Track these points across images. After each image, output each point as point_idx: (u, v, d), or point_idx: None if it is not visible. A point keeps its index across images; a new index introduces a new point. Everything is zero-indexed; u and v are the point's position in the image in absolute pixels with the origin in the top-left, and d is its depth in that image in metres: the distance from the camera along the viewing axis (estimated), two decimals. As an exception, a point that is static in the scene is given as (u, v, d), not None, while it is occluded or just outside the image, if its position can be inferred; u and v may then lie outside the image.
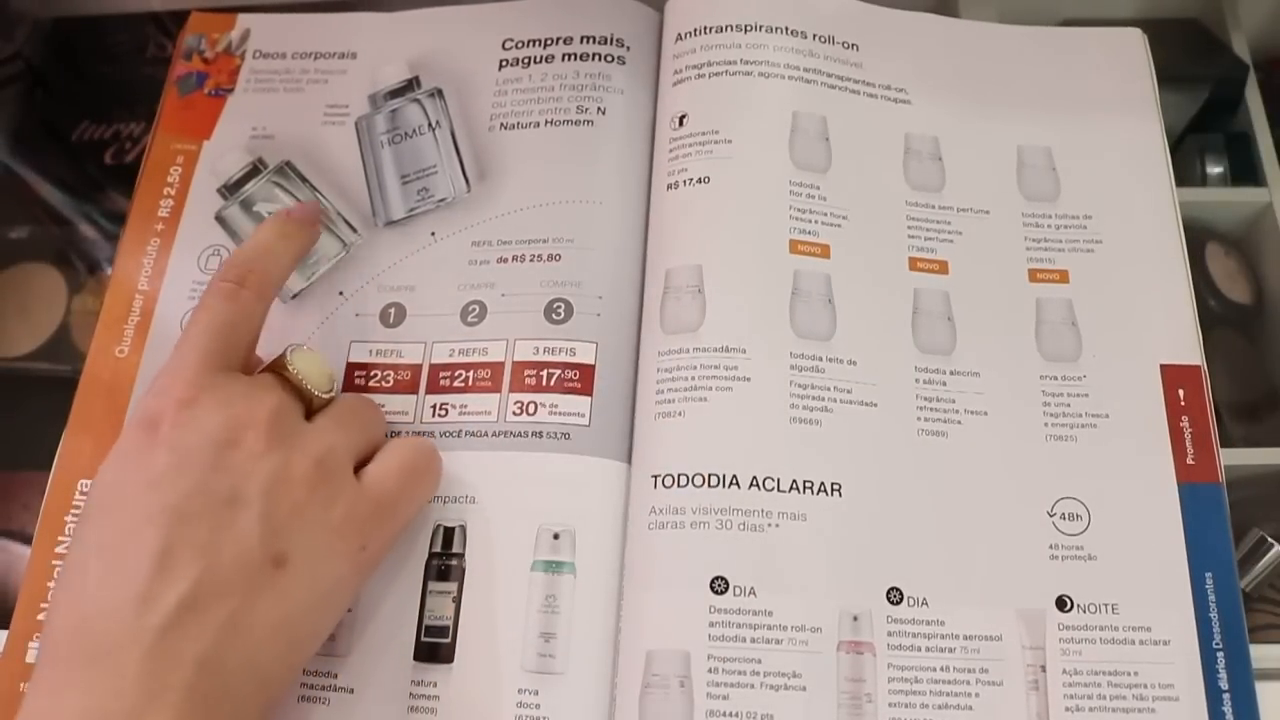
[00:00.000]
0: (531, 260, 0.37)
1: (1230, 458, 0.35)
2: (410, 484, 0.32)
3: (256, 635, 0.27)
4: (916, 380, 0.35)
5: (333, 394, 0.32)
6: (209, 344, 0.30)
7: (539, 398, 0.35)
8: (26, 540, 0.38)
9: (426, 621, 0.33)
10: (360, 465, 0.31)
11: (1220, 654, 0.32)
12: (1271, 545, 0.38)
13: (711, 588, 0.32)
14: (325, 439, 0.30)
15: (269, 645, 0.27)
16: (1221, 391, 0.39)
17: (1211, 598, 0.33)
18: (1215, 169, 0.45)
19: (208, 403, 0.29)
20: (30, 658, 0.33)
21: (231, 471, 0.28)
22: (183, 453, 0.28)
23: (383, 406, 0.36)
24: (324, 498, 0.29)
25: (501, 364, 0.36)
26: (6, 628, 0.34)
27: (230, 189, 0.40)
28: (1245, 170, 0.44)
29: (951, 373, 0.36)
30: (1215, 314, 0.43)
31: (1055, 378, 0.36)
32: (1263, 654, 0.32)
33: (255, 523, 0.27)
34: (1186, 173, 0.45)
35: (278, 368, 0.31)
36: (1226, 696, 0.32)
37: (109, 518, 0.28)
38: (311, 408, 0.31)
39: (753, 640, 0.31)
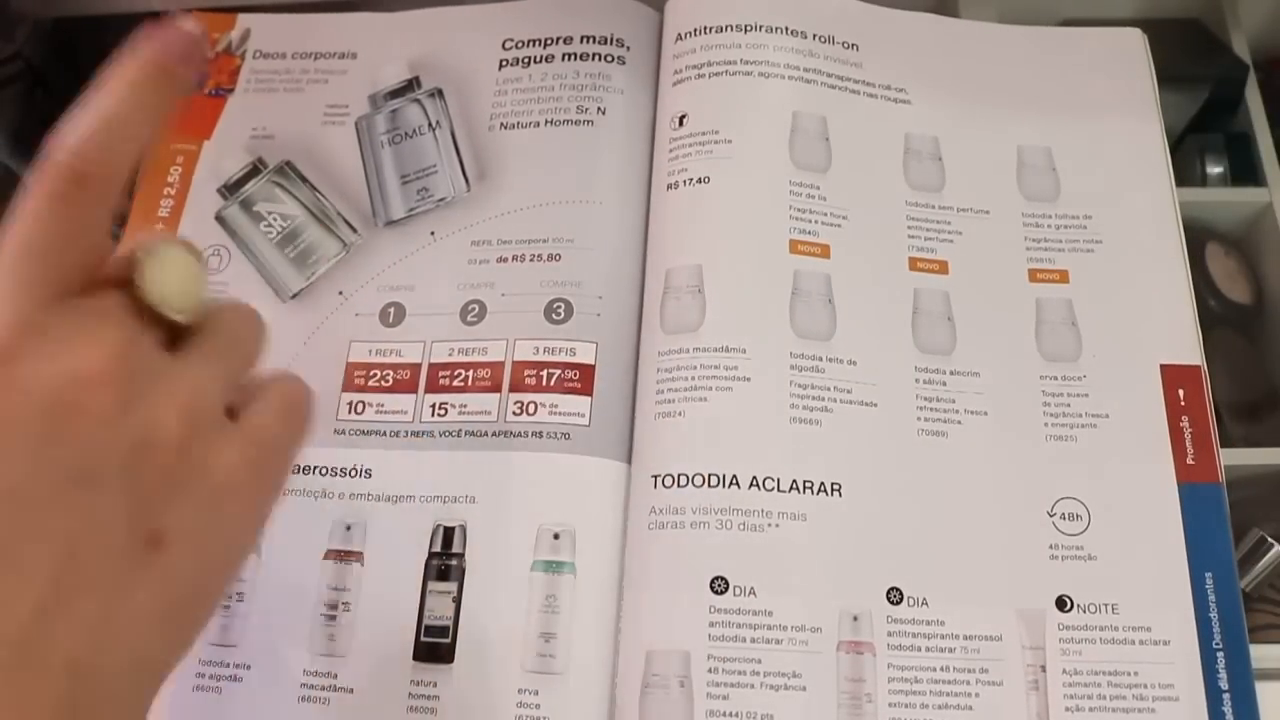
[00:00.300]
0: (531, 260, 0.37)
1: (1230, 458, 0.35)
2: (295, 424, 0.27)
3: (138, 628, 0.22)
4: (916, 380, 0.35)
5: (199, 314, 0.25)
6: (30, 270, 0.23)
7: (539, 397, 0.35)
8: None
9: (426, 621, 0.33)
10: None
11: (1220, 654, 0.32)
12: (1271, 545, 0.37)
13: (711, 588, 0.32)
14: (194, 382, 0.24)
15: (154, 636, 0.23)
16: (1221, 391, 0.39)
17: (1211, 598, 0.33)
18: (1215, 169, 0.44)
19: (31, 353, 0.22)
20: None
21: (76, 443, 0.22)
22: (4, 423, 0.22)
23: (381, 406, 0.36)
24: (200, 457, 0.23)
25: (501, 364, 0.36)
26: None
27: (230, 189, 0.40)
28: (1245, 170, 0.44)
29: (951, 373, 0.36)
30: (1215, 314, 0.43)
31: (1055, 378, 0.36)
32: (1263, 654, 0.32)
33: (118, 501, 0.22)
34: (1186, 173, 0.45)
35: (126, 283, 0.24)
36: (1226, 696, 0.32)
37: None
38: (175, 331, 0.24)
39: (753, 640, 0.31)
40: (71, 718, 0.21)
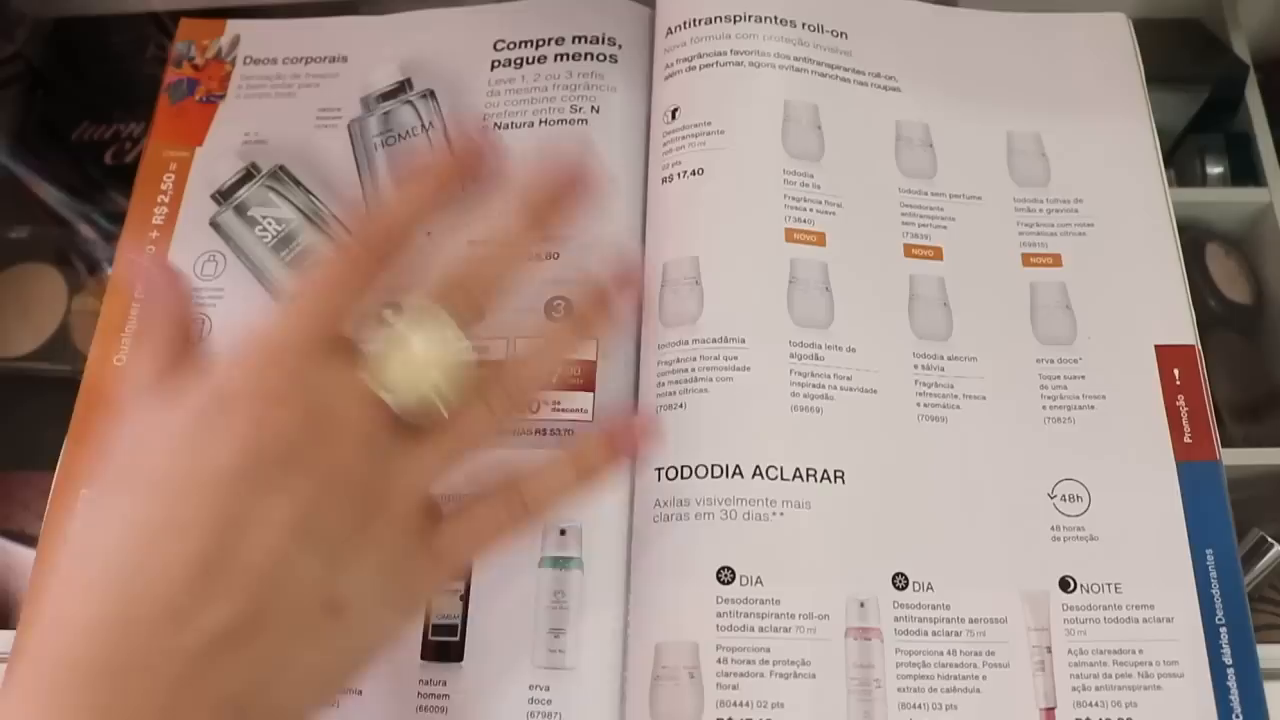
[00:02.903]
0: (530, 259, 0.37)
1: (1230, 458, 0.35)
2: (483, 552, 0.28)
3: (289, 681, 0.23)
4: (915, 366, 0.36)
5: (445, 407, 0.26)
6: (321, 303, 0.25)
7: (541, 395, 0.35)
8: (25, 540, 0.38)
9: (434, 620, 0.33)
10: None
11: (1223, 629, 0.33)
12: (1271, 545, 0.38)
13: (718, 578, 0.32)
14: (421, 472, 0.25)
15: (298, 693, 0.24)
16: (1221, 391, 0.39)
17: (1213, 574, 0.33)
18: (1215, 169, 0.45)
19: (299, 389, 0.23)
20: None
21: (304, 495, 0.23)
22: (252, 446, 0.23)
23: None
24: (401, 548, 0.25)
25: (501, 362, 0.36)
26: (3, 628, 0.34)
27: (224, 195, 0.39)
28: (1245, 170, 0.44)
29: (949, 358, 0.36)
30: (1215, 314, 0.43)
31: (1051, 361, 0.36)
32: (1263, 654, 0.33)
33: (318, 561, 0.23)
34: (1186, 173, 0.46)
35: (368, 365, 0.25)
36: (1230, 671, 0.32)
37: (142, 495, 0.23)
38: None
39: (760, 629, 0.31)
40: None
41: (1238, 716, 0.32)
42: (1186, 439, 0.35)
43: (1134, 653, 0.32)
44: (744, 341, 0.35)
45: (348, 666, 0.25)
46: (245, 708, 0.22)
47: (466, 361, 0.26)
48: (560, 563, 0.33)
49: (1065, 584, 0.33)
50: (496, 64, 0.41)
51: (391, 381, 0.24)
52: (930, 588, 0.33)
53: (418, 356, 0.25)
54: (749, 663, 0.31)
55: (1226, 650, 0.32)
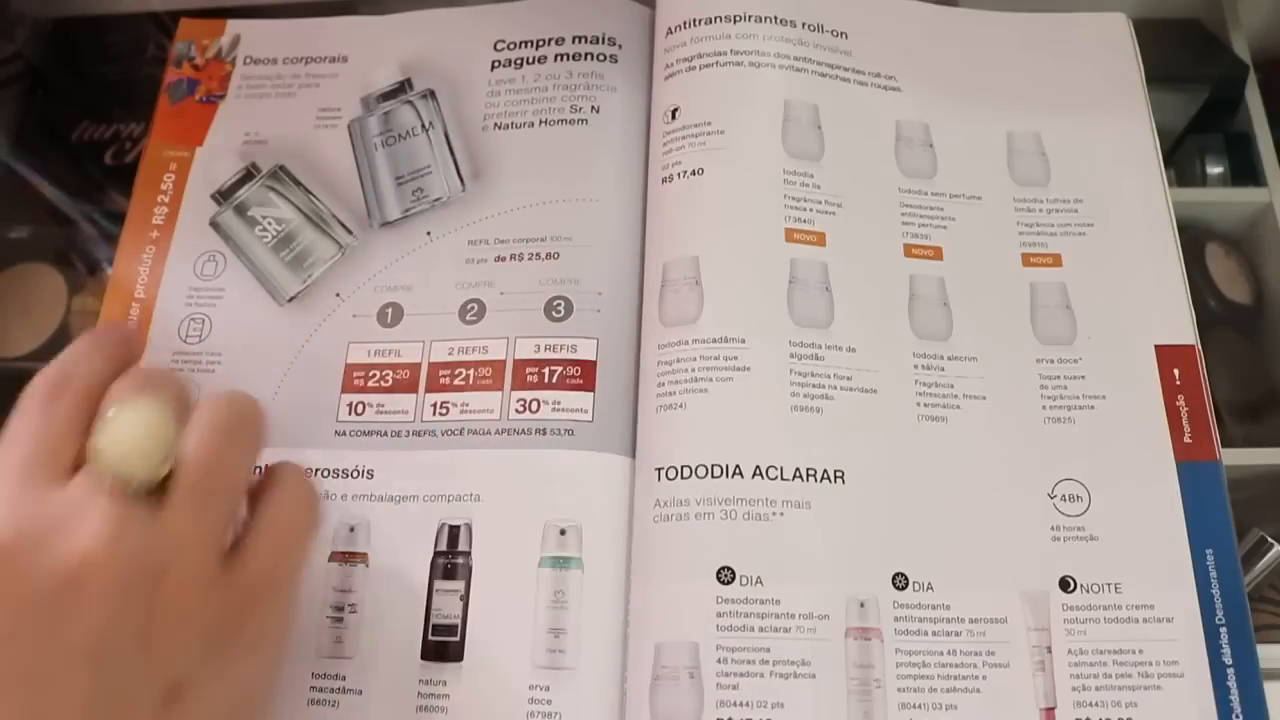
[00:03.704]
0: (530, 259, 0.37)
1: (1230, 458, 0.35)
2: (292, 552, 0.28)
3: None
4: (915, 366, 0.36)
5: (169, 463, 0.25)
6: (27, 451, 0.24)
7: (541, 395, 0.35)
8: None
9: (434, 620, 0.33)
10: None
11: (1223, 629, 0.33)
12: (1271, 545, 0.38)
13: (718, 578, 0.32)
14: (186, 538, 0.24)
15: None
16: (1221, 391, 0.39)
17: (1213, 574, 0.33)
18: (1215, 169, 0.45)
19: (30, 539, 0.23)
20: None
21: (86, 619, 0.23)
22: (16, 609, 0.22)
23: (381, 407, 0.36)
24: (203, 612, 0.24)
25: (503, 362, 0.36)
26: None
27: (224, 194, 0.40)
28: (1245, 170, 0.44)
29: (949, 358, 0.36)
30: (1215, 314, 0.43)
31: (1051, 361, 0.36)
32: (1263, 654, 0.33)
33: (135, 668, 0.23)
34: (1186, 173, 0.46)
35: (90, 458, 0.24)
36: (1231, 671, 0.32)
37: None
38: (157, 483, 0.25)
39: (760, 629, 0.31)
40: None
41: (1238, 716, 0.32)
42: (1186, 439, 0.35)
43: (1134, 653, 0.32)
44: (744, 341, 0.35)
45: None
46: None
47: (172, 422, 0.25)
48: (560, 563, 0.33)
49: (1065, 584, 0.33)
50: (497, 64, 0.42)
51: (117, 458, 0.24)
52: (930, 588, 0.33)
53: (132, 429, 0.25)
54: (749, 663, 0.31)
55: (1226, 650, 0.32)
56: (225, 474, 0.26)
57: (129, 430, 0.24)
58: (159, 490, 0.25)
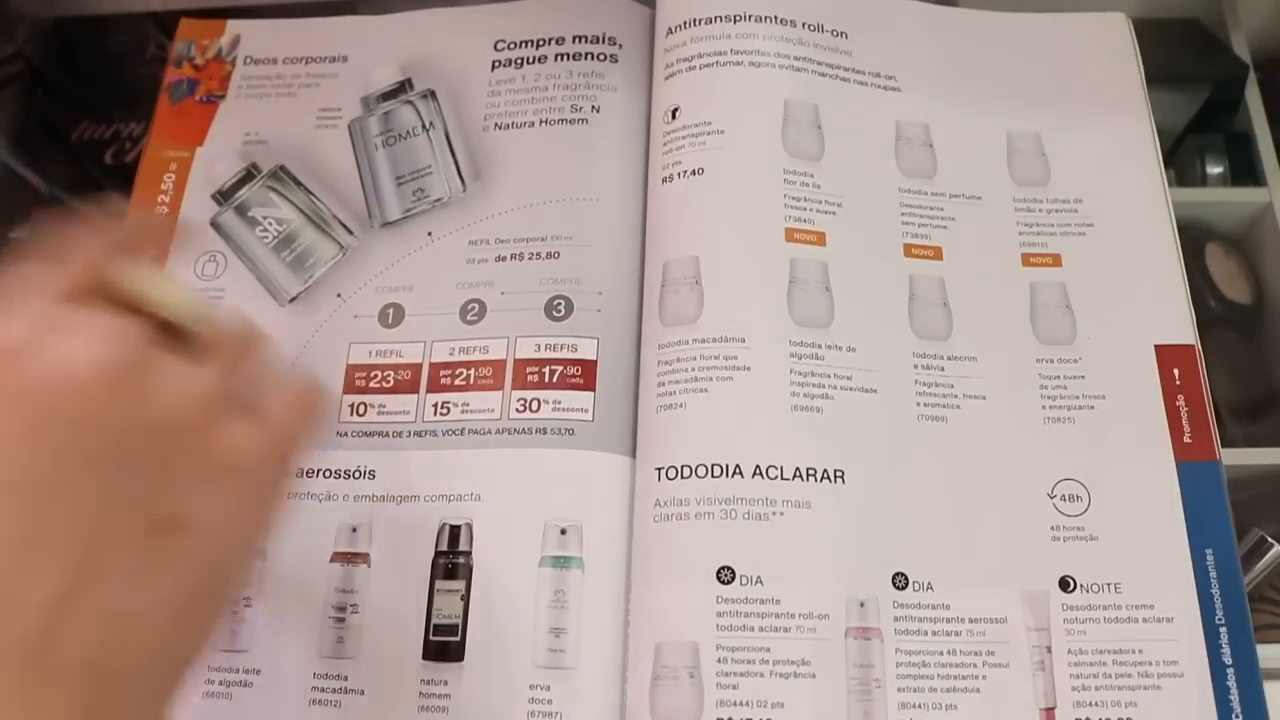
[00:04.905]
0: (530, 258, 0.37)
1: (1230, 458, 0.35)
2: (305, 415, 0.27)
3: (158, 619, 0.22)
4: (915, 366, 0.36)
5: (202, 323, 0.25)
6: (40, 278, 0.24)
7: (542, 394, 0.35)
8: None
9: (435, 620, 0.33)
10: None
11: (1223, 629, 0.33)
12: (1271, 545, 0.38)
13: (718, 578, 0.32)
14: (207, 375, 0.24)
15: (174, 626, 0.22)
16: (1221, 391, 0.39)
17: (1213, 574, 0.33)
18: (1215, 169, 0.45)
19: (38, 341, 0.22)
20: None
21: (85, 423, 0.22)
22: (23, 409, 0.21)
23: (383, 407, 0.36)
24: (216, 442, 0.24)
25: (503, 361, 0.36)
26: None
27: (224, 195, 0.40)
28: (1245, 170, 0.44)
29: (949, 358, 0.36)
30: (1215, 314, 0.43)
31: (1051, 361, 0.36)
32: (1263, 654, 0.33)
33: (134, 484, 0.22)
34: (1186, 173, 0.46)
35: (123, 296, 0.24)
36: (1230, 671, 0.32)
37: None
38: (181, 341, 0.25)
39: (761, 629, 0.32)
40: None
41: (1237, 716, 0.32)
42: (1186, 439, 0.35)
43: (1134, 652, 0.32)
44: (744, 341, 0.35)
45: (209, 584, 0.23)
46: (114, 664, 0.21)
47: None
48: (560, 562, 0.33)
49: (1065, 584, 0.33)
50: (497, 64, 0.42)
51: (158, 294, 0.24)
52: (930, 588, 0.33)
53: (170, 281, 0.25)
54: (749, 662, 0.31)
55: (1226, 650, 0.32)
56: (247, 346, 0.26)
57: (169, 283, 0.25)
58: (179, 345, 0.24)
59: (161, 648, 0.22)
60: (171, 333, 0.24)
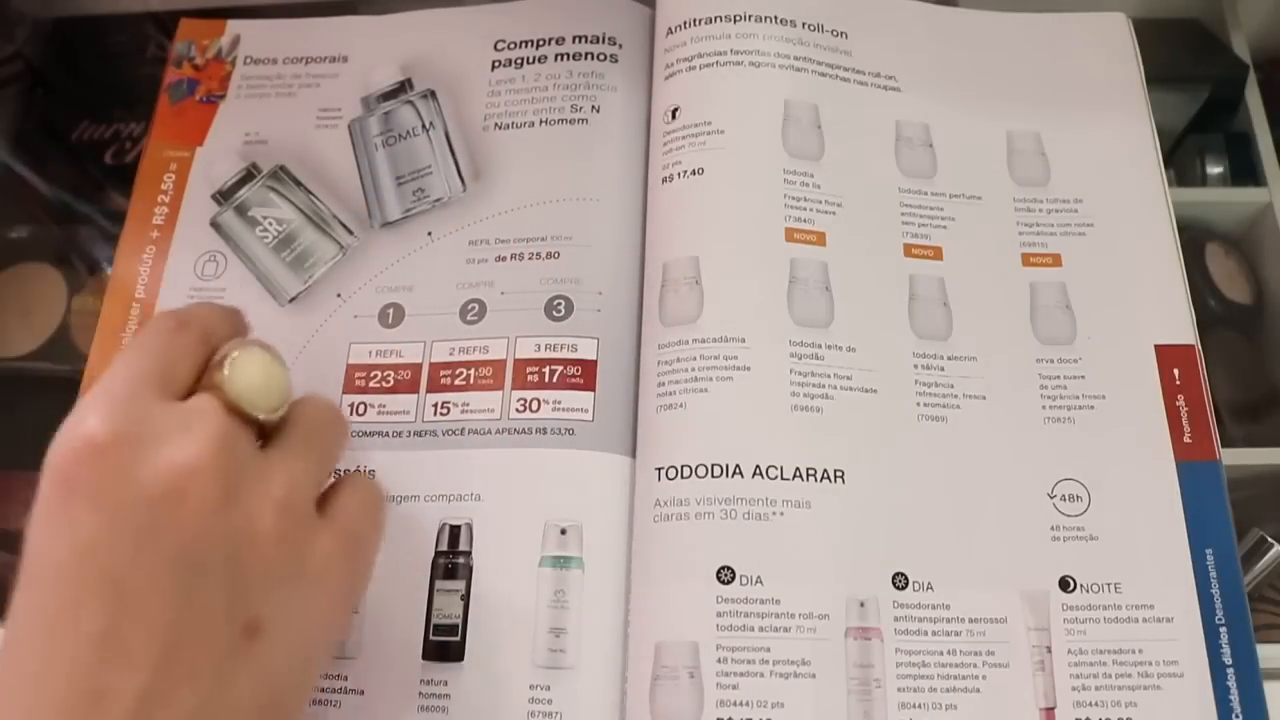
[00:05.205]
0: (530, 258, 0.37)
1: (1230, 458, 0.35)
2: (377, 518, 0.28)
3: (237, 718, 0.23)
4: (915, 366, 0.36)
5: (283, 410, 0.26)
6: (145, 365, 0.25)
7: (542, 394, 0.35)
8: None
9: (435, 620, 0.33)
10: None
11: (1223, 629, 0.33)
12: (1271, 545, 0.38)
13: (718, 578, 0.32)
14: (288, 475, 0.25)
15: None
16: (1221, 391, 0.39)
17: (1213, 574, 0.33)
18: (1215, 169, 0.45)
19: (135, 441, 0.23)
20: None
21: (181, 531, 0.22)
22: (111, 510, 0.22)
23: (383, 407, 0.36)
24: (295, 547, 0.24)
25: (503, 361, 0.36)
26: None
27: (224, 195, 0.40)
28: (1245, 170, 0.44)
29: (949, 358, 0.36)
30: (1215, 314, 0.43)
31: (1051, 360, 0.36)
32: (1263, 654, 0.33)
33: (220, 590, 0.23)
34: (1186, 173, 0.46)
35: (212, 385, 0.25)
36: (1230, 671, 0.32)
37: (39, 594, 0.22)
38: (262, 428, 0.26)
39: (761, 629, 0.32)
40: None
41: (1237, 716, 0.32)
42: (1186, 439, 0.35)
43: (1134, 652, 0.32)
44: (744, 341, 0.35)
45: (287, 688, 0.24)
46: None
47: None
48: (560, 562, 0.33)
49: (1065, 584, 0.33)
50: (497, 64, 0.42)
51: (245, 387, 0.25)
52: (930, 587, 0.33)
53: (257, 367, 0.26)
54: (749, 662, 0.31)
55: (1226, 650, 0.32)
56: (333, 434, 0.27)
57: (255, 368, 0.25)
58: (263, 436, 0.26)
59: None
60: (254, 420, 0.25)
